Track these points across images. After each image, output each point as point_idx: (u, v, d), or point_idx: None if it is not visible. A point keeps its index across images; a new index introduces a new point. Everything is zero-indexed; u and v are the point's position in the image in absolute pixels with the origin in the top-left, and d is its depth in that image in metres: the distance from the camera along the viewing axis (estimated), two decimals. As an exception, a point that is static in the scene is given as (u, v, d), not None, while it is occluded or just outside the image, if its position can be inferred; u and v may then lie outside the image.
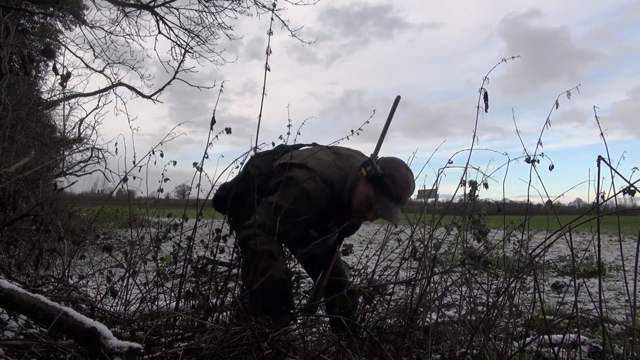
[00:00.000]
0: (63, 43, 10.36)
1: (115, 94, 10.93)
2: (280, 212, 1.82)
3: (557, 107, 1.84)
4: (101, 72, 10.97)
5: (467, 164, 1.95)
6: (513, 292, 1.99)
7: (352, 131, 2.11)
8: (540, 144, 1.87)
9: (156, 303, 2.17)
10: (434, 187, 2.14)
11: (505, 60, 1.98)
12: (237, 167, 2.12)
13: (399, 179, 1.91)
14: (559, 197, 1.95)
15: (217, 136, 1.99)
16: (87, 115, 11.33)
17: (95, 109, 9.26)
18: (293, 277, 1.96)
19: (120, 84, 11.20)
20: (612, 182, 1.52)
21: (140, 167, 2.22)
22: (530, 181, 1.89)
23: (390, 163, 1.95)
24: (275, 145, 2.16)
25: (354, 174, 1.98)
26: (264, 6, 9.99)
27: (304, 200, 1.89)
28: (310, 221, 1.89)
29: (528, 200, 1.95)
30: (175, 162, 2.22)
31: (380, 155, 2.04)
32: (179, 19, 10.58)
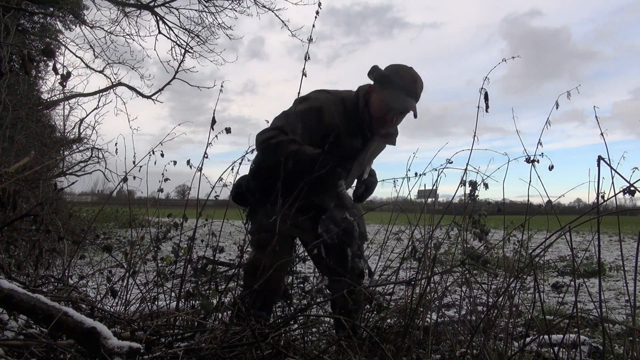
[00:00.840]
0: (63, 43, 10.37)
1: (115, 94, 10.94)
2: (293, 116, 1.96)
3: (557, 108, 1.84)
4: (101, 72, 10.97)
5: (467, 164, 1.95)
6: (513, 292, 1.99)
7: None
8: (540, 144, 1.87)
9: (156, 303, 2.17)
10: (434, 187, 2.14)
11: (505, 61, 1.98)
12: (237, 168, 2.12)
13: (405, 73, 2.00)
14: (559, 197, 1.95)
15: (216, 136, 1.99)
16: (87, 115, 11.33)
17: (95, 109, 9.24)
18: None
19: (120, 84, 11.21)
20: (612, 182, 1.52)
21: (140, 167, 2.22)
22: (530, 181, 1.89)
23: (392, 66, 2.04)
24: None
25: (364, 89, 2.09)
26: (264, 6, 10.00)
27: (314, 111, 1.99)
28: (332, 137, 1.93)
29: (528, 200, 1.95)
30: (175, 162, 2.22)
31: None
32: (179, 19, 10.59)
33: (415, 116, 2.02)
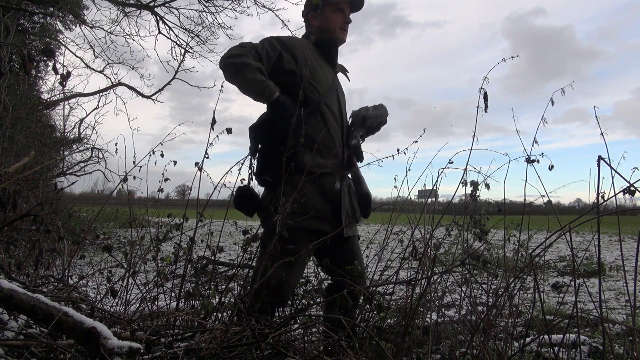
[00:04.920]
0: (63, 43, 10.37)
1: (115, 94, 10.94)
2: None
3: (552, 105, 1.84)
4: (101, 72, 10.97)
5: (467, 164, 1.95)
6: (513, 292, 1.99)
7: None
8: (536, 142, 1.87)
9: (156, 303, 2.17)
10: (434, 187, 2.14)
11: (504, 60, 1.97)
12: (239, 169, 2.11)
13: None
14: (552, 191, 1.93)
15: (217, 136, 1.99)
16: (87, 115, 11.39)
17: (95, 109, 9.27)
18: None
19: (120, 84, 11.21)
20: (612, 182, 1.52)
21: (141, 167, 2.22)
22: (526, 180, 1.90)
23: None
24: None
25: (307, 23, 2.17)
26: (264, 6, 9.99)
27: (272, 40, 1.97)
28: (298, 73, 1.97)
29: (525, 199, 1.96)
30: (175, 162, 2.22)
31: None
32: (179, 19, 10.58)
33: (360, 6, 2.15)
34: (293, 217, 1.78)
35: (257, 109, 2.00)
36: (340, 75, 2.27)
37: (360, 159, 2.14)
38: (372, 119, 2.12)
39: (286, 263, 1.70)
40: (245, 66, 1.82)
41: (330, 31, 2.12)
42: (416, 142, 2.22)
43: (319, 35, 2.10)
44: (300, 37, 2.21)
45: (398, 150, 2.26)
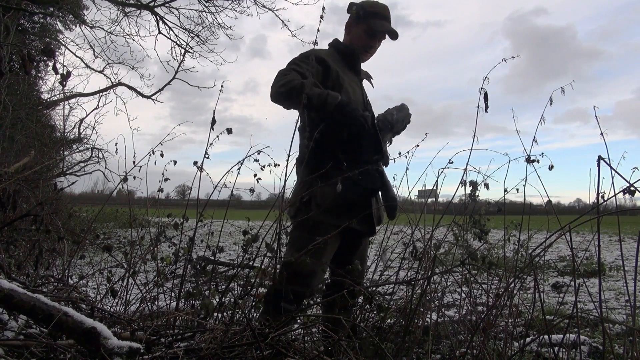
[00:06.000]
0: (63, 43, 10.37)
1: (115, 94, 10.95)
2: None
3: (551, 104, 1.85)
4: (101, 72, 10.97)
5: (467, 164, 1.95)
6: (513, 292, 1.99)
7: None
8: (536, 141, 1.87)
9: (156, 303, 2.17)
10: (434, 187, 2.14)
11: (505, 60, 1.97)
12: (239, 169, 2.10)
13: (375, 2, 2.20)
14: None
15: (218, 136, 1.99)
16: (87, 115, 11.40)
17: (95, 109, 9.26)
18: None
19: (120, 84, 11.21)
20: (612, 182, 1.52)
21: (140, 167, 2.22)
22: (526, 180, 1.90)
23: (362, 2, 2.20)
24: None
25: (346, 32, 2.24)
26: (264, 6, 9.99)
27: (312, 56, 1.99)
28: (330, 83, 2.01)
29: (525, 199, 1.96)
30: (175, 162, 2.22)
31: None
32: (179, 19, 10.58)
33: (395, 37, 2.17)
34: (326, 214, 1.88)
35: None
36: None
37: (386, 163, 2.18)
38: (399, 123, 2.15)
39: (315, 254, 1.77)
40: (302, 86, 1.89)
41: (356, 43, 2.19)
42: (417, 146, 2.24)
43: (344, 45, 2.19)
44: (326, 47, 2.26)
45: (400, 153, 2.28)
